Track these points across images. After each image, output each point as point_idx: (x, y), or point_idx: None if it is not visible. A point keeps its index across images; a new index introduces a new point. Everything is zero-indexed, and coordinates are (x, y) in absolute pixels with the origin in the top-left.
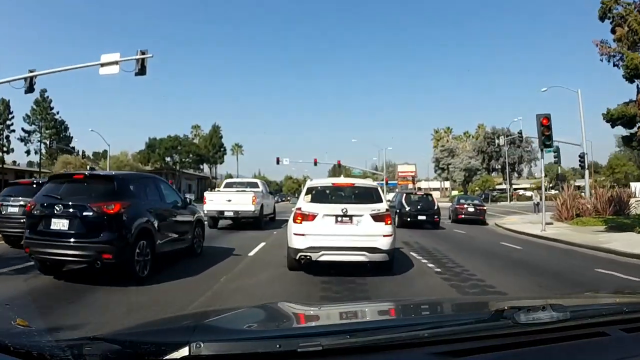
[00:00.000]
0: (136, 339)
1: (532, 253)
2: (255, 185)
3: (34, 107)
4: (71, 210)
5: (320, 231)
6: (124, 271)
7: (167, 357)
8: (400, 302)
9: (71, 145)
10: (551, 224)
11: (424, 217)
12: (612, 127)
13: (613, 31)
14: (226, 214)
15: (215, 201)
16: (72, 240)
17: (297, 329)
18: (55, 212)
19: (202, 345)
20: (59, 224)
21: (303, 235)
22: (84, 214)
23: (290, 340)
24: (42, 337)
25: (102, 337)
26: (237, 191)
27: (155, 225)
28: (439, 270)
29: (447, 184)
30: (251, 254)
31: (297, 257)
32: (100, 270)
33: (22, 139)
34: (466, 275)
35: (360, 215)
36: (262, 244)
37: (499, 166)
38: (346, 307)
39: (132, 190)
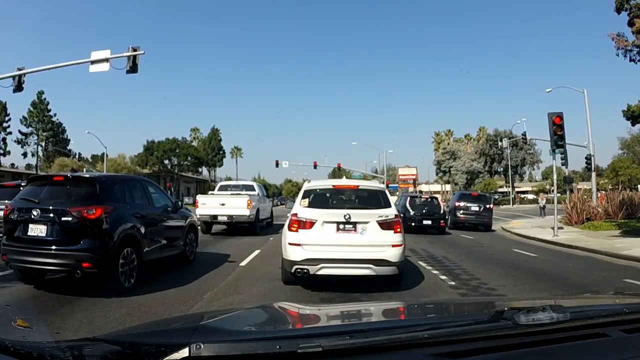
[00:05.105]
0: (136, 340)
1: (550, 262)
2: (251, 188)
3: (31, 109)
4: (49, 215)
5: (319, 241)
6: (107, 281)
7: (167, 358)
8: (400, 303)
9: (68, 147)
10: (562, 228)
11: (429, 222)
12: (633, 124)
13: (630, 23)
14: (220, 218)
15: (208, 205)
16: (49, 247)
17: (297, 329)
18: (33, 217)
19: (202, 346)
20: (37, 230)
21: (299, 245)
22: (63, 219)
23: (290, 341)
24: (42, 338)
25: (102, 338)
26: (232, 194)
27: (142, 231)
28: (453, 283)
29: (448, 187)
30: (243, 263)
31: (293, 270)
32: (82, 280)
33: (19, 142)
34: (485, 289)
35: (366, 223)
36: (257, 251)
37: (501, 169)
38: (346, 308)
39: (116, 193)
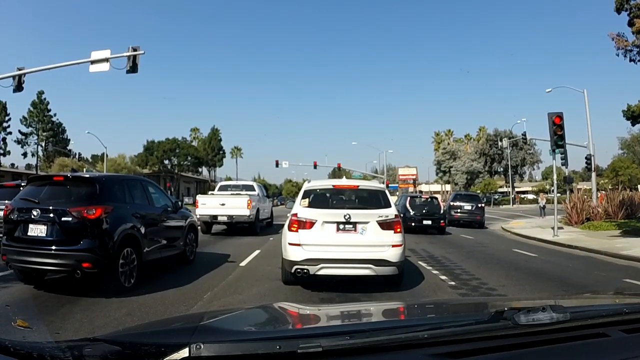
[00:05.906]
0: (136, 340)
1: (550, 261)
2: (251, 188)
3: (31, 109)
4: (49, 215)
5: (319, 241)
6: (107, 281)
7: (167, 358)
8: (400, 303)
9: (68, 147)
10: (562, 228)
11: (429, 222)
12: (633, 124)
13: (630, 23)
14: (220, 218)
15: (208, 205)
16: (49, 247)
17: (297, 330)
18: (33, 217)
19: (202, 346)
20: (37, 230)
21: (299, 245)
22: (63, 219)
23: (290, 342)
24: (42, 338)
25: (102, 338)
26: (232, 194)
27: (142, 231)
28: (453, 283)
29: (448, 187)
30: (243, 263)
31: (293, 271)
32: (83, 280)
33: (19, 141)
34: (485, 289)
35: (366, 223)
36: (257, 251)
37: (501, 169)
38: (346, 308)
39: (116, 193)
